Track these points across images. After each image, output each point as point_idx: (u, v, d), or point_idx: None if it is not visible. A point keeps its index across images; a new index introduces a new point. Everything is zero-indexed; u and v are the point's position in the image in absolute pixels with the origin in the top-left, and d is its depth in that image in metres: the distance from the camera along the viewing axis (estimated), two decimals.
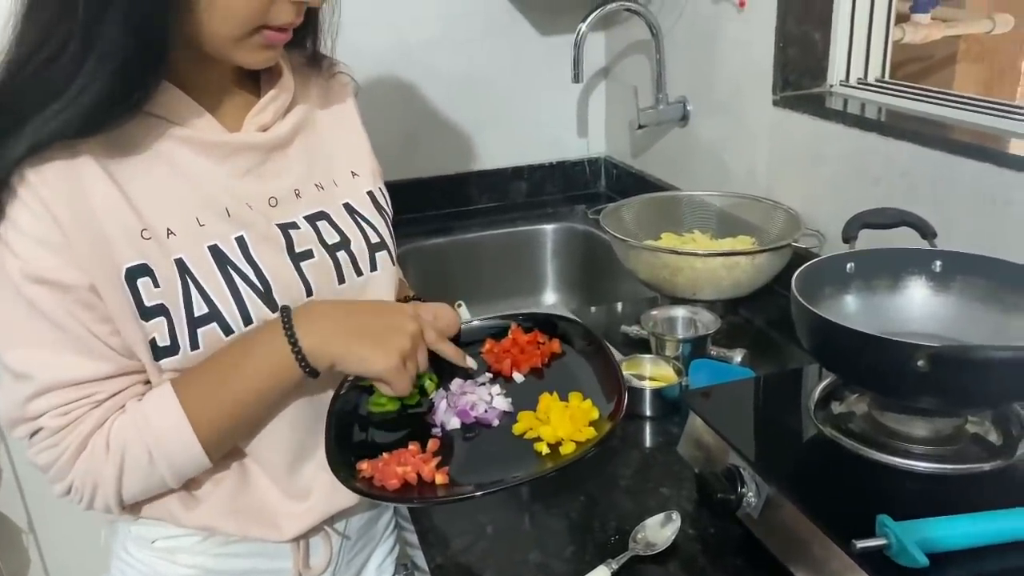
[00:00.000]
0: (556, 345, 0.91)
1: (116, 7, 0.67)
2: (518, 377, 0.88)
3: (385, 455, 0.77)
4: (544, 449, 0.77)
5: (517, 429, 0.80)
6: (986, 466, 0.75)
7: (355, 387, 0.86)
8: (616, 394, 0.81)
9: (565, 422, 0.77)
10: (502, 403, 0.83)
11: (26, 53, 0.70)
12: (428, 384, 0.85)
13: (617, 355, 1.15)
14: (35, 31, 0.70)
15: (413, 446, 0.78)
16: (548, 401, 0.81)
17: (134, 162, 0.75)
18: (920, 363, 0.69)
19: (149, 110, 0.75)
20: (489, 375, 0.88)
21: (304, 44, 0.89)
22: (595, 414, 0.80)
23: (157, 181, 0.76)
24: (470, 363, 0.86)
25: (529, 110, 1.86)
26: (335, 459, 0.78)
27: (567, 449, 0.76)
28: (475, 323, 0.92)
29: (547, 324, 0.94)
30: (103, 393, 0.75)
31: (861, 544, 0.65)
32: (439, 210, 1.85)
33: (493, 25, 1.77)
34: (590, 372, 0.88)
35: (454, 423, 0.81)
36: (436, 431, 0.81)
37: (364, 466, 0.76)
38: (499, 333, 0.93)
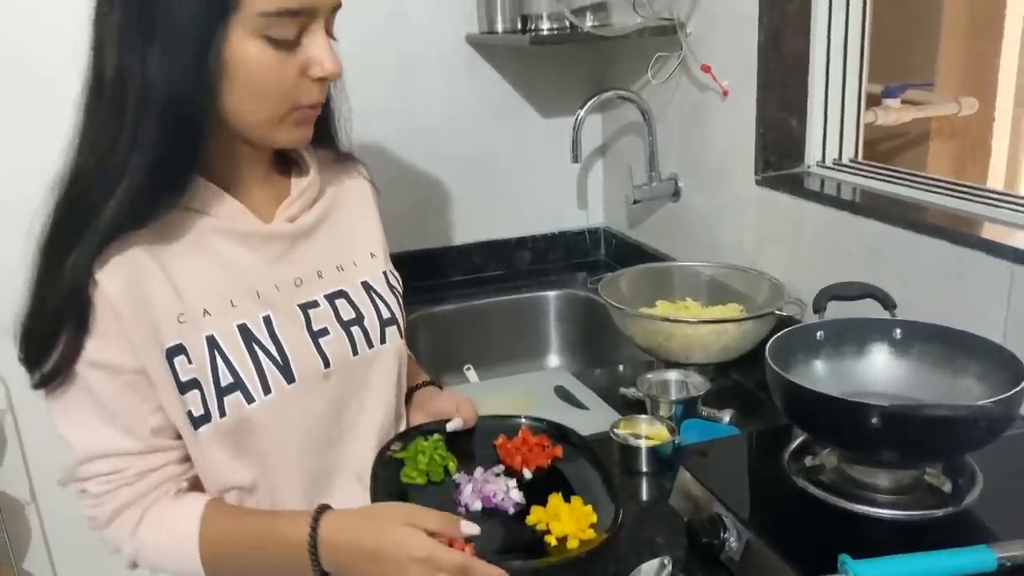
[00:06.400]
0: (559, 451, 1.03)
1: (155, 102, 0.79)
2: (526, 473, 0.99)
3: None
4: (553, 541, 0.88)
5: (530, 520, 0.91)
6: (938, 512, 0.85)
7: (391, 460, 0.98)
8: (614, 504, 0.92)
9: (571, 522, 0.89)
10: (516, 495, 0.95)
11: (85, 156, 0.83)
12: (451, 466, 0.98)
13: (615, 415, 1.26)
14: (91, 133, 0.83)
15: None
16: (557, 501, 0.93)
17: (178, 252, 0.87)
18: (874, 420, 0.80)
19: (190, 206, 0.88)
20: (502, 467, 1.00)
21: (329, 141, 1.03)
22: (594, 518, 0.91)
23: (197, 268, 0.88)
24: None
25: (532, 185, 2.00)
26: None
27: (572, 544, 0.87)
28: (488, 420, 1.07)
29: (552, 430, 1.07)
30: (134, 469, 0.88)
31: None
32: (449, 278, 1.97)
33: (499, 109, 1.92)
34: (588, 479, 0.99)
35: (477, 506, 0.93)
36: (461, 510, 0.93)
37: None
38: (511, 431, 1.05)
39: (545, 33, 1.74)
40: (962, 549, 0.76)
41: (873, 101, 1.89)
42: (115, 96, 0.81)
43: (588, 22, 1.72)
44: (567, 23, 1.69)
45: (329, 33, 0.88)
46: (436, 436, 1.03)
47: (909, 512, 0.85)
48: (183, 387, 0.86)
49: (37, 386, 0.86)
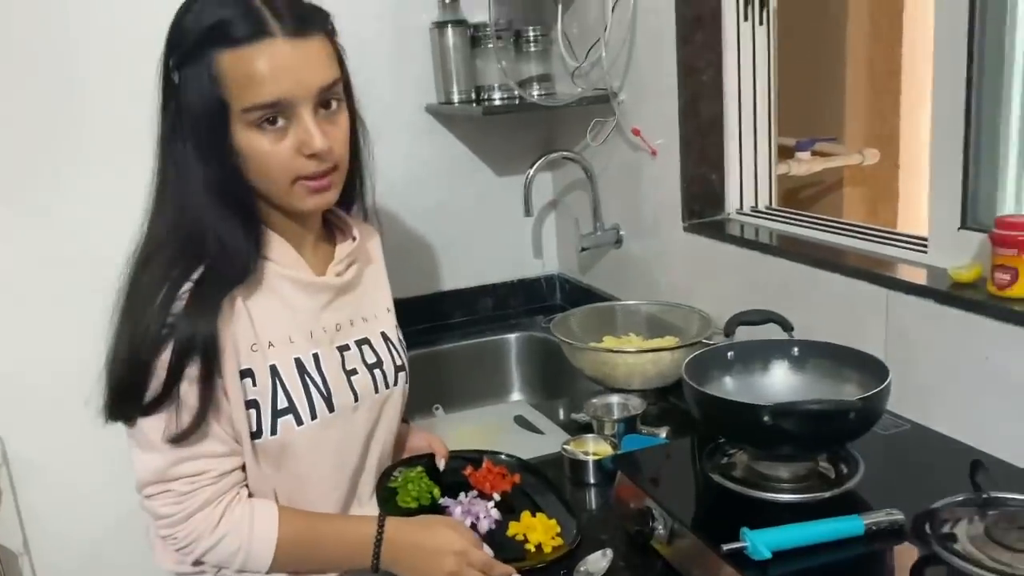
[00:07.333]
0: (517, 477, 1.24)
1: (204, 187, 0.99)
2: (496, 496, 1.20)
3: None
4: (532, 548, 1.11)
5: (510, 532, 1.13)
6: (826, 494, 1.02)
7: (386, 488, 1.18)
8: (573, 518, 1.16)
9: (542, 533, 1.12)
10: (495, 513, 1.17)
11: (174, 232, 1.01)
12: (435, 492, 1.18)
13: (567, 436, 1.43)
14: (161, 219, 1.03)
15: None
16: (527, 516, 1.15)
17: (257, 293, 1.05)
18: (766, 418, 0.98)
19: (267, 256, 1.06)
20: (475, 492, 1.20)
21: (356, 204, 1.21)
22: (558, 528, 1.14)
23: (268, 307, 1.06)
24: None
25: (492, 238, 2.19)
26: None
27: (547, 550, 1.11)
28: (457, 455, 1.30)
29: (512, 461, 1.30)
30: (217, 470, 1.03)
31: (726, 547, 0.91)
32: (418, 325, 2.12)
33: (458, 170, 2.12)
34: (546, 499, 1.22)
35: (467, 523, 1.14)
36: None
37: None
38: (475, 462, 1.27)
39: (496, 103, 1.96)
40: (837, 518, 0.94)
41: (788, 154, 2.12)
42: (179, 189, 1.01)
43: (534, 92, 1.93)
44: (516, 94, 1.91)
45: (326, 107, 1.01)
46: (419, 468, 1.22)
47: (803, 496, 1.03)
48: (246, 405, 1.03)
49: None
